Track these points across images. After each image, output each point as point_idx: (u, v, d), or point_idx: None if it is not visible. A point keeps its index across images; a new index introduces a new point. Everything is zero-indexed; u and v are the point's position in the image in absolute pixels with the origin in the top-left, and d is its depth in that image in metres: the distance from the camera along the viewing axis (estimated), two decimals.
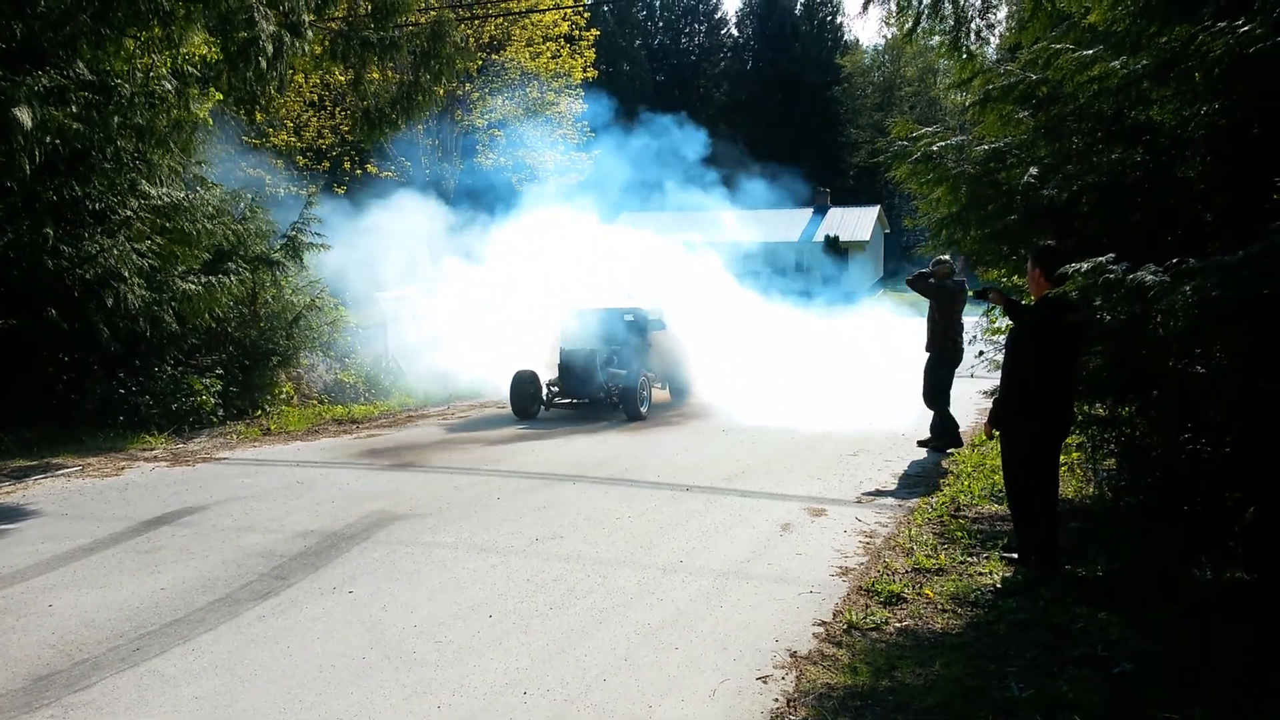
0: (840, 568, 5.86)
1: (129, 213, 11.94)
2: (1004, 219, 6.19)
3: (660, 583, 5.66)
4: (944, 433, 9.37)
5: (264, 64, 13.58)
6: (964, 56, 6.55)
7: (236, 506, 7.90)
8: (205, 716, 4.05)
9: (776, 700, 4.06)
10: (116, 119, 11.65)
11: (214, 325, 12.70)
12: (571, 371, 13.40)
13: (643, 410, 12.99)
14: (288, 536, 6.87)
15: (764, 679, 4.28)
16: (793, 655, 4.53)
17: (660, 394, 14.64)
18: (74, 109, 11.39)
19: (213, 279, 12.37)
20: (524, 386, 13.26)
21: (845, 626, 4.85)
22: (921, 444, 9.57)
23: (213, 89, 13.51)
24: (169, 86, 12.61)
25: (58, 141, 11.04)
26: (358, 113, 19.11)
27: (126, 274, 11.48)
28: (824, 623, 4.94)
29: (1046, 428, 5.46)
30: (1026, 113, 6.24)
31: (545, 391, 13.52)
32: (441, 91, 21.20)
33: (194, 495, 8.35)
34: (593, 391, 13.25)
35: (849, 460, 9.22)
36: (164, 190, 12.32)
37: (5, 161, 10.72)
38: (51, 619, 5.30)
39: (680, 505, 7.58)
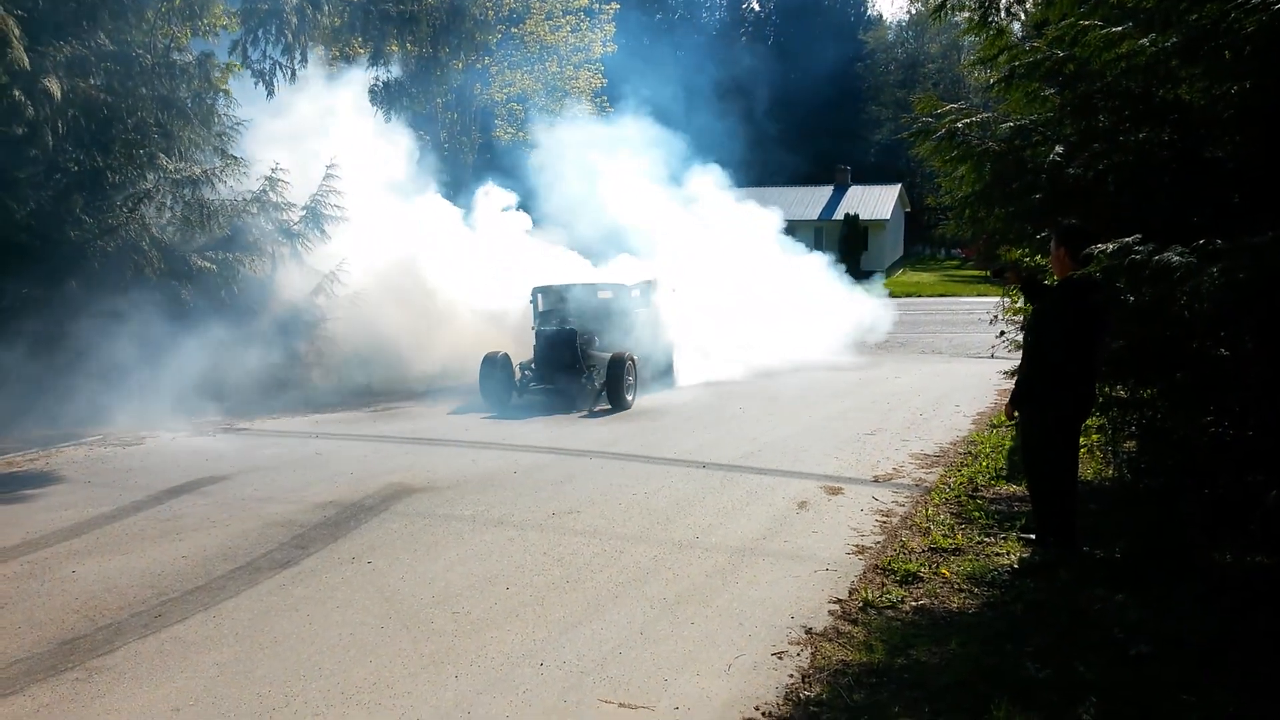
0: (857, 546, 5.86)
1: (149, 185, 11.99)
2: (1029, 197, 6.11)
3: (676, 558, 5.68)
4: None
5: (288, 36, 13.61)
6: (993, 32, 6.45)
7: (256, 476, 7.98)
8: (226, 683, 4.11)
9: (791, 676, 4.07)
10: (143, 89, 11.71)
11: (230, 301, 12.70)
12: (548, 354, 12.10)
13: (629, 398, 11.67)
14: (307, 507, 6.94)
15: (779, 655, 4.30)
16: (808, 632, 4.54)
17: (645, 376, 13.20)
18: (96, 80, 11.46)
19: (230, 255, 12.41)
20: (494, 370, 11.90)
21: (861, 604, 4.85)
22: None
23: (233, 61, 13.54)
24: (189, 58, 12.65)
25: (80, 114, 11.09)
26: (377, 86, 19.04)
27: (146, 246, 11.55)
28: (840, 600, 4.95)
29: (1067, 408, 5.42)
30: (1052, 90, 6.15)
31: (519, 375, 12.19)
32: (460, 65, 21.10)
33: (214, 465, 8.43)
34: (572, 376, 11.93)
35: (866, 439, 9.20)
36: (183, 163, 12.36)
37: (30, 132, 10.79)
38: (75, 584, 5.38)
39: (696, 482, 7.59)
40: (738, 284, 16.53)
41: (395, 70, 18.72)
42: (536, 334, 12.32)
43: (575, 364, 11.94)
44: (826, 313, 18.28)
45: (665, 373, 13.48)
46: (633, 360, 11.86)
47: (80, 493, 7.53)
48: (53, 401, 10.39)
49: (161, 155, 12.14)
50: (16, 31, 9.89)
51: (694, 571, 5.43)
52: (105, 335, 10.78)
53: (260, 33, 13.99)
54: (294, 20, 14.02)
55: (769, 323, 16.53)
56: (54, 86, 10.48)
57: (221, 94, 13.07)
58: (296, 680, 4.12)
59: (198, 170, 12.36)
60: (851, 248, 41.94)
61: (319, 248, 13.61)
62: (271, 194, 13.24)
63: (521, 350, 12.55)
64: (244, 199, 12.96)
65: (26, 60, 9.96)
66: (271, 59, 14.23)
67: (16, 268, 10.65)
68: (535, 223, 17.11)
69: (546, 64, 29.30)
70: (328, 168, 13.85)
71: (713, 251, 17.05)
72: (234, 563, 5.71)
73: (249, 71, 14.04)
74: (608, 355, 11.86)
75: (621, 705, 3.86)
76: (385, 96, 17.35)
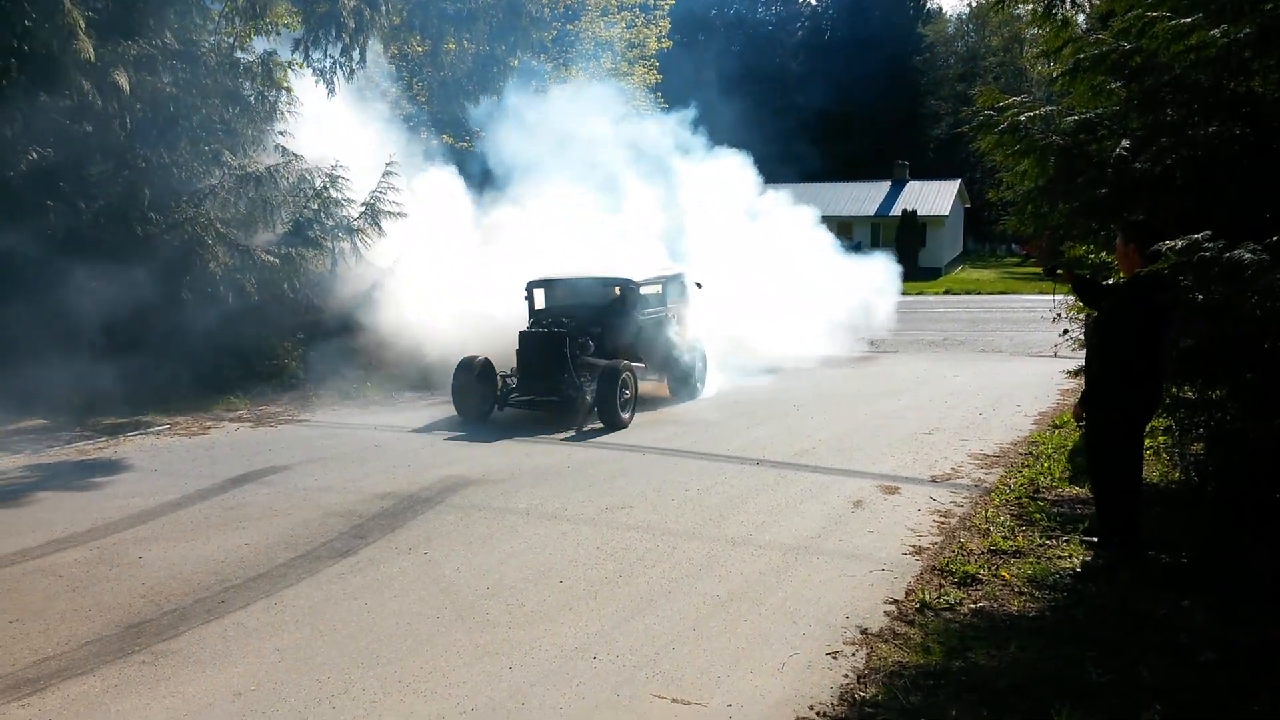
0: (913, 546, 5.79)
1: (214, 181, 12.27)
2: (1094, 192, 5.98)
3: (729, 555, 5.66)
4: None
5: (346, 37, 13.84)
6: (1057, 24, 6.32)
7: (317, 468, 8.13)
8: (287, 669, 4.20)
9: (846, 676, 4.04)
10: (208, 83, 12.00)
11: (293, 295, 12.94)
12: (530, 360, 10.37)
13: (625, 416, 9.92)
14: (365, 498, 7.06)
15: (834, 654, 4.26)
16: (863, 632, 4.50)
17: (657, 388, 11.93)
18: (164, 76, 11.77)
19: (292, 250, 12.65)
20: (470, 379, 10.23)
21: (918, 605, 4.79)
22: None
23: (295, 59, 13.79)
24: (253, 56, 12.93)
25: (147, 109, 11.41)
26: (435, 84, 19.24)
27: (210, 241, 11.83)
28: (896, 601, 4.89)
29: (1134, 408, 5.29)
30: (1119, 83, 6.01)
31: (501, 385, 10.55)
32: (516, 62, 21.24)
33: (276, 456, 8.61)
34: (560, 387, 10.15)
35: (923, 439, 9.07)
36: (247, 159, 12.64)
37: (99, 127, 11.12)
38: (142, 570, 5.55)
39: (750, 479, 7.55)
40: (749, 267, 15.34)
41: (458, 67, 18.88)
42: (519, 336, 10.57)
43: (564, 373, 10.17)
44: (837, 290, 17.08)
45: (687, 380, 11.77)
46: (631, 371, 10.17)
47: (147, 481, 7.75)
48: (121, 392, 10.70)
49: (226, 152, 12.44)
50: (81, 24, 10.18)
51: (747, 569, 5.41)
52: (170, 329, 11.07)
53: (321, 32, 14.23)
54: (351, 23, 14.24)
55: (787, 310, 15.45)
56: (123, 80, 10.77)
57: (283, 91, 13.32)
58: (355, 668, 4.20)
59: (261, 167, 12.62)
60: (909, 244, 41.38)
61: (377, 244, 13.81)
62: (332, 190, 13.46)
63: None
64: (305, 195, 13.20)
65: (92, 51, 10.23)
66: (331, 57, 14.47)
67: (85, 263, 10.96)
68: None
69: (601, 60, 29.38)
70: (386, 165, 14.05)
71: (719, 231, 15.83)
72: (295, 551, 5.83)
73: (310, 70, 14.29)
74: (602, 364, 10.17)
75: (674, 701, 3.86)
76: (442, 93, 17.51)
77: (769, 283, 15.45)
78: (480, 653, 4.34)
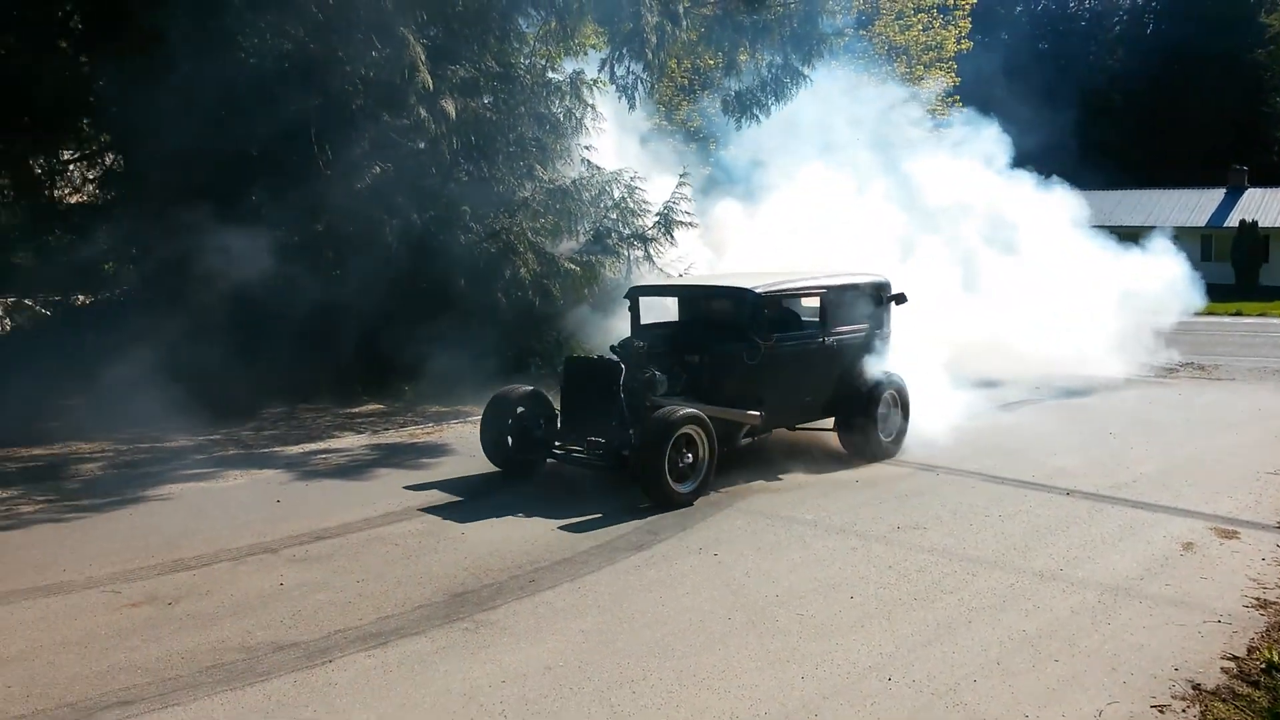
0: (1257, 599, 5.12)
1: (526, 194, 13.24)
2: None
3: (1036, 590, 5.29)
4: None
5: (648, 53, 14.46)
6: None
7: None
8: (590, 650, 4.45)
9: None
10: (521, 108, 13.00)
11: (591, 301, 13.64)
12: (574, 398, 7.70)
13: (681, 491, 6.94)
14: None
15: (1160, 708, 3.87)
16: (1196, 688, 4.04)
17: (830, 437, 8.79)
18: (485, 98, 12.89)
19: (592, 258, 13.39)
20: (503, 418, 7.88)
21: (1264, 665, 4.23)
22: None
23: (600, 77, 14.61)
24: (562, 76, 13.85)
25: (470, 130, 12.54)
26: (728, 96, 19.61)
27: (522, 249, 12.77)
28: (1235, 657, 4.35)
29: None
30: None
31: (543, 428, 7.89)
32: (810, 70, 21.19)
33: None
34: (610, 434, 7.20)
35: (1268, 479, 7.96)
36: (555, 173, 13.54)
37: (430, 146, 12.36)
38: (464, 545, 6.11)
39: (1058, 509, 7.01)
40: (1018, 266, 13.39)
41: (746, 79, 19.17)
42: (565, 363, 8.09)
43: (613, 418, 7.31)
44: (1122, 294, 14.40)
45: (864, 433, 8.39)
46: (701, 424, 7.03)
47: (466, 464, 8.49)
48: (444, 383, 11.80)
49: (538, 166, 13.39)
50: (422, 57, 11.37)
51: (1057, 606, 5.03)
52: (485, 328, 12.06)
53: (625, 49, 14.95)
54: (653, 39, 14.82)
55: (1071, 318, 13.31)
56: (449, 106, 11.91)
57: (589, 108, 14.14)
58: (652, 657, 4.36)
59: (567, 180, 13.47)
60: (1249, 259, 36.71)
61: (668, 251, 14.27)
62: (629, 201, 14.11)
63: None
64: (605, 205, 13.91)
65: (431, 82, 11.41)
66: (634, 74, 15.15)
67: (416, 267, 12.19)
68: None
69: (895, 64, 28.61)
70: (680, 176, 14.50)
71: (971, 223, 13.97)
72: (595, 540, 6.18)
73: (614, 87, 15.06)
74: (674, 410, 7.01)
75: None
76: (738, 106, 17.80)
77: (1045, 285, 13.67)
78: (771, 659, 4.36)
